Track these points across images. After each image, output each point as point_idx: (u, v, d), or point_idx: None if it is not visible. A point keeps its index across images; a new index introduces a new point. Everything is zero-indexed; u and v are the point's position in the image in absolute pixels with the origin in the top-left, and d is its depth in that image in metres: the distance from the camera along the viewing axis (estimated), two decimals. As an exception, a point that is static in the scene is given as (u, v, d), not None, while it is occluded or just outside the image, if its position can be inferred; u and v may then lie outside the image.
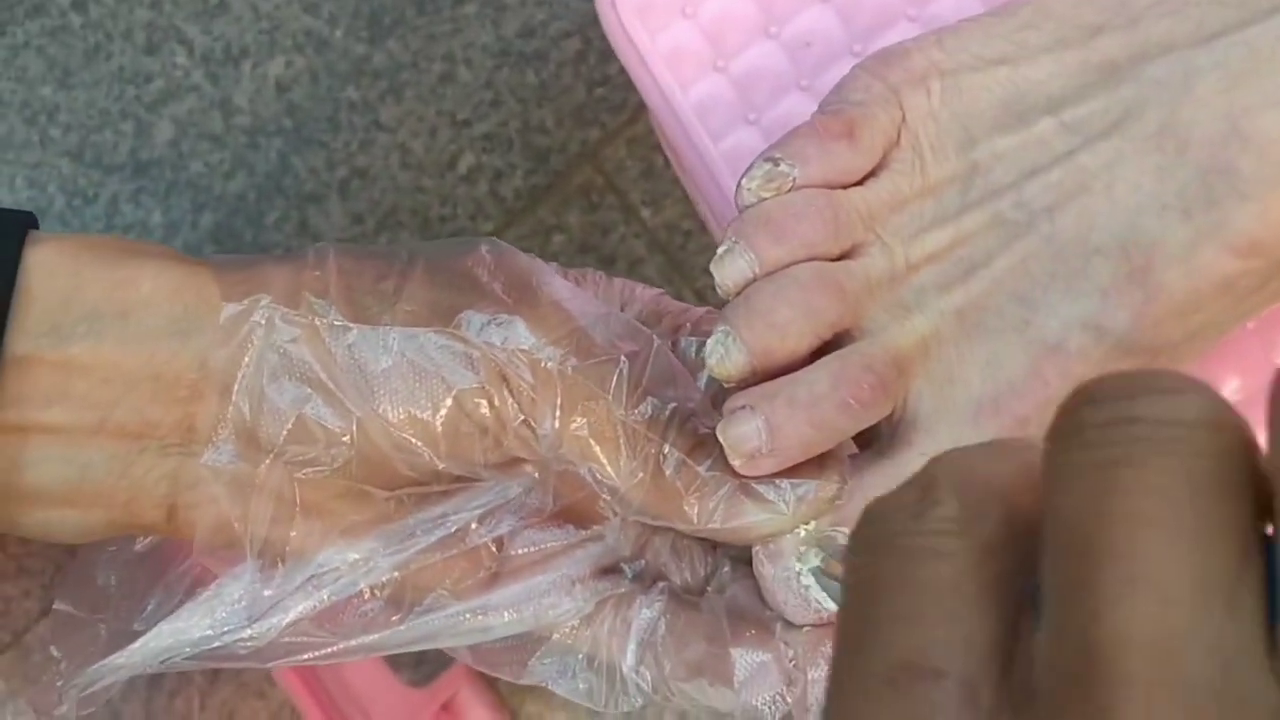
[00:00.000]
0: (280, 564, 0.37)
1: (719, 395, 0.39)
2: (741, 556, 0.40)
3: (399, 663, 0.81)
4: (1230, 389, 0.44)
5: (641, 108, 0.73)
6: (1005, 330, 0.37)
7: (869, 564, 0.20)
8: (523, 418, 0.36)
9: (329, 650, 0.38)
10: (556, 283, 0.39)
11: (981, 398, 0.36)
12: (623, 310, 0.41)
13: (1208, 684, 0.17)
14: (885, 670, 0.19)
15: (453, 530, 0.38)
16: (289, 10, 0.70)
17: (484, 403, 0.37)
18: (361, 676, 0.80)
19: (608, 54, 0.71)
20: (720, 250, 0.37)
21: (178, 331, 0.37)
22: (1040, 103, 0.37)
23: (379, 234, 0.72)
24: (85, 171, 0.70)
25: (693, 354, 0.41)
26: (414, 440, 0.36)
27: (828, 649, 0.36)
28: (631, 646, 0.38)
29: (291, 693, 0.77)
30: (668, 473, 0.37)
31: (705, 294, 0.71)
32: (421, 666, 0.83)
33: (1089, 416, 0.18)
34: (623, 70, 0.75)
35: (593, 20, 0.72)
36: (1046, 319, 0.36)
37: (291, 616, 0.37)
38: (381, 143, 0.71)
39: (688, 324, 0.41)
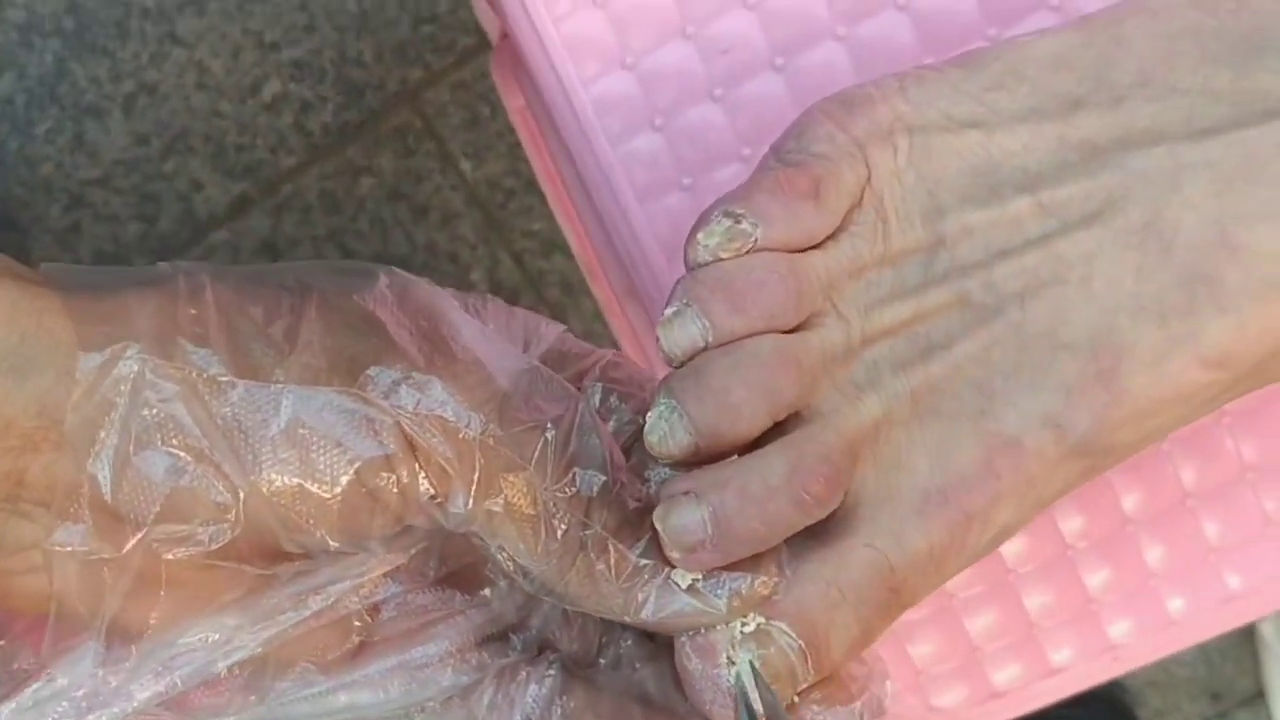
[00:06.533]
0: (133, 647, 0.32)
1: (640, 462, 0.35)
2: (645, 631, 0.37)
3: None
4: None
5: (470, 51, 0.67)
6: (960, 418, 0.34)
7: None
8: (432, 493, 0.32)
9: (176, 739, 0.33)
10: (466, 327, 0.34)
11: (929, 488, 0.34)
12: (526, 350, 0.37)
13: None
14: None
15: (331, 602, 0.33)
16: (76, -105, 0.61)
17: (390, 476, 0.32)
18: None
19: (439, -13, 0.65)
20: (669, 311, 0.33)
21: (11, 368, 0.30)
22: (1015, 177, 0.35)
23: (166, 158, 0.64)
24: None
25: (596, 402, 0.37)
26: (305, 518, 0.31)
27: (755, 760, 0.33)
28: None
29: None
30: (592, 556, 0.33)
31: (522, 257, 0.67)
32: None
33: None
34: (453, 10, 0.69)
35: (423, -53, 0.66)
36: (1004, 411, 0.34)
37: (136, 704, 0.32)
38: (176, 58, 0.63)
39: (595, 368, 0.37)
